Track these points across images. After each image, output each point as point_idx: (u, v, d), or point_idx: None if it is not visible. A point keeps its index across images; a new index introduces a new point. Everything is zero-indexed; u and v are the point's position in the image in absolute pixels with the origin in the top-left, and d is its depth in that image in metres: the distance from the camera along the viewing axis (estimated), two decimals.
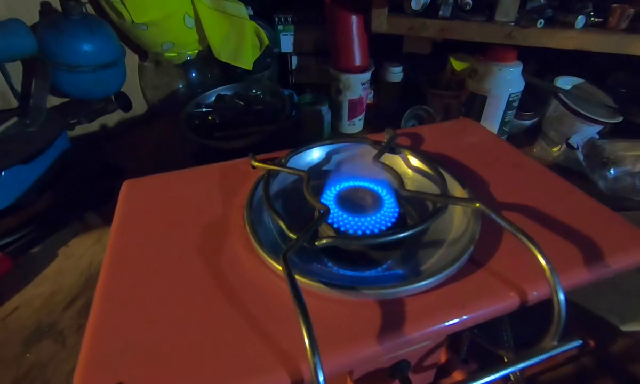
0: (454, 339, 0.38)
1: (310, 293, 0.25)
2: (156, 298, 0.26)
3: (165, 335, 0.23)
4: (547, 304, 0.24)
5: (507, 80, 0.63)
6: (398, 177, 0.33)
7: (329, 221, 0.30)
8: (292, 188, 0.37)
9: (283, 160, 0.37)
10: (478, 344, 0.35)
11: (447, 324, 0.23)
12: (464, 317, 0.24)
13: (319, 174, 0.38)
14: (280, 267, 0.26)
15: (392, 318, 0.24)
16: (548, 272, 0.23)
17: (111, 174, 0.64)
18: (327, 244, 0.27)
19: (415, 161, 0.37)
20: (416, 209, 0.36)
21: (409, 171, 0.38)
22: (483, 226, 0.29)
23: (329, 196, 0.33)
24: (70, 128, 0.63)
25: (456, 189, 0.33)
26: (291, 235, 0.27)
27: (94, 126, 0.74)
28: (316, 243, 0.27)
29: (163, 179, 0.38)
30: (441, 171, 0.34)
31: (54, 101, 0.66)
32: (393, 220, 0.31)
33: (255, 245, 0.28)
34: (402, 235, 0.26)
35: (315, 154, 0.40)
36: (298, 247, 0.25)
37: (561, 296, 0.23)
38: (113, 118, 0.78)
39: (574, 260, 0.27)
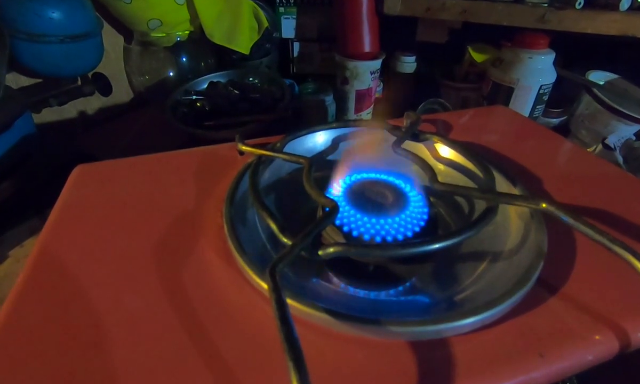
0: None
1: (310, 326, 0.17)
2: (83, 323, 0.18)
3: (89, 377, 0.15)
4: None
5: (538, 70, 0.55)
6: (428, 168, 0.25)
7: (337, 222, 0.22)
8: (289, 180, 0.30)
9: (278, 145, 0.29)
10: None
11: (520, 379, 0.15)
12: (543, 371, 0.16)
13: (323, 165, 0.30)
14: (265, 286, 0.18)
15: (435, 369, 0.15)
16: None
17: None
18: (335, 255, 0.19)
19: (446, 151, 0.29)
20: (448, 210, 0.28)
21: (437, 164, 0.30)
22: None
23: (338, 191, 0.25)
24: (35, 110, 0.55)
25: (503, 187, 0.25)
26: (285, 240, 0.19)
27: (70, 112, 0.66)
28: (320, 253, 0.19)
29: (125, 164, 0.30)
30: (485, 163, 0.26)
31: (22, 80, 0.58)
32: (422, 223, 0.23)
33: (233, 251, 0.20)
34: (443, 244, 0.18)
35: (319, 139, 0.32)
36: (293, 258, 0.17)
37: None
38: (93, 105, 0.70)
39: None
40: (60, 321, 0.18)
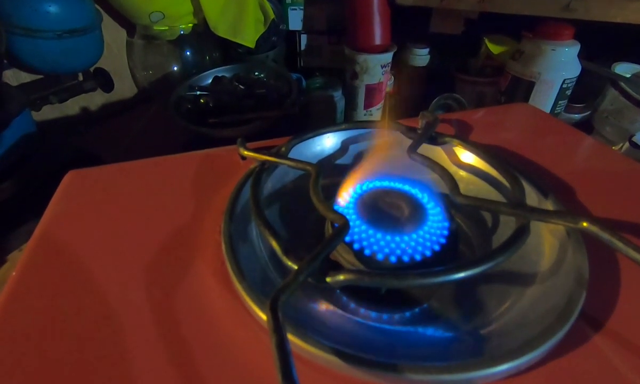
0: None
1: (316, 368, 0.15)
2: (64, 348, 0.16)
3: None
4: None
5: (562, 63, 0.52)
6: (449, 177, 0.23)
7: (347, 239, 0.20)
8: (294, 189, 0.27)
9: (283, 149, 0.27)
10: None
11: None
12: None
13: (332, 170, 0.28)
14: (265, 317, 0.16)
15: None
16: None
17: (86, 164, 0.54)
18: (345, 283, 0.16)
19: (467, 156, 0.27)
20: (467, 221, 0.26)
21: (458, 171, 0.27)
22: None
23: (347, 202, 0.23)
24: (35, 108, 0.53)
25: (532, 198, 0.23)
26: (289, 264, 0.17)
27: (72, 109, 0.65)
28: (328, 280, 0.17)
29: (119, 171, 0.28)
30: (514, 172, 0.23)
31: (23, 77, 0.57)
32: (442, 240, 0.20)
33: (231, 275, 0.18)
34: (469, 273, 0.16)
35: (327, 143, 0.29)
36: (298, 286, 0.15)
37: None
38: (96, 101, 0.68)
39: None
40: (40, 344, 0.16)
